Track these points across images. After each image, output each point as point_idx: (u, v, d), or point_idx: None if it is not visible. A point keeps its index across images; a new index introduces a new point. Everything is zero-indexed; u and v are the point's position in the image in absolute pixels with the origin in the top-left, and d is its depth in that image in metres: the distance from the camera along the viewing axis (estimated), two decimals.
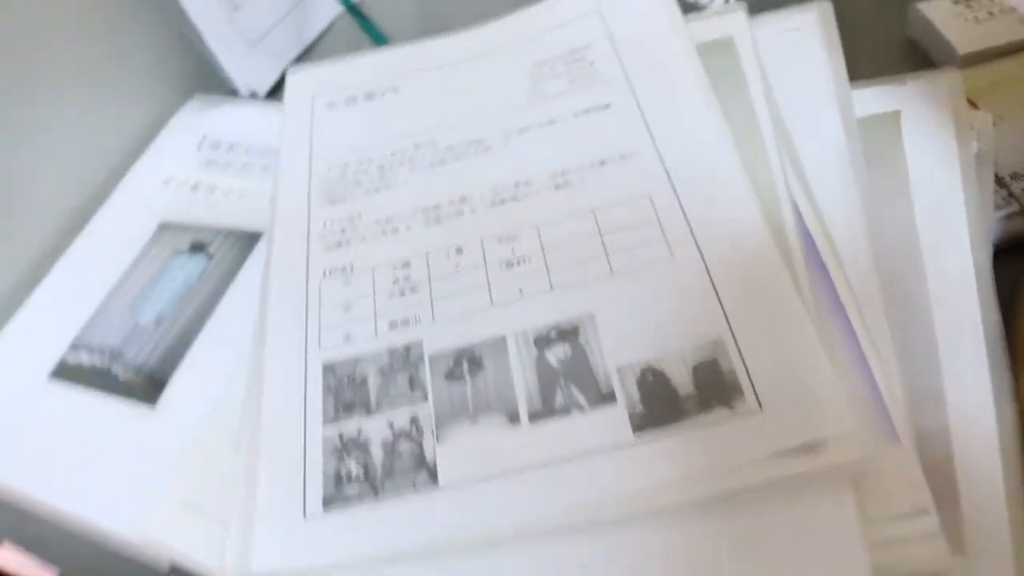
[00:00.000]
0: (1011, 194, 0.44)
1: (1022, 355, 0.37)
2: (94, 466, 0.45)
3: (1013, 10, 0.51)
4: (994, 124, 0.46)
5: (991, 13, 0.51)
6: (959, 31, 0.51)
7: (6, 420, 0.49)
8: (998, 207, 0.43)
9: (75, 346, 0.51)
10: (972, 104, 0.47)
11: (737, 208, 0.39)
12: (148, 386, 0.48)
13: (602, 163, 0.43)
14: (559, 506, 0.33)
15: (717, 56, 0.45)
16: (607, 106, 0.46)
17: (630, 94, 0.46)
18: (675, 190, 0.41)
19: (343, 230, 0.45)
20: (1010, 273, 0.41)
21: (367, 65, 0.54)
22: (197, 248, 0.54)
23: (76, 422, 0.48)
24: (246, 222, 0.54)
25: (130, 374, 0.48)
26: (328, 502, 0.35)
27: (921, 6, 0.53)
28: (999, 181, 0.44)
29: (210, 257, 0.53)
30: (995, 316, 0.38)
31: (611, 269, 0.39)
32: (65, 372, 0.50)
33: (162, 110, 0.63)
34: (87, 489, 0.45)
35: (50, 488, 0.46)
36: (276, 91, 0.64)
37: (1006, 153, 0.45)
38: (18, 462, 0.47)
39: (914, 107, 0.44)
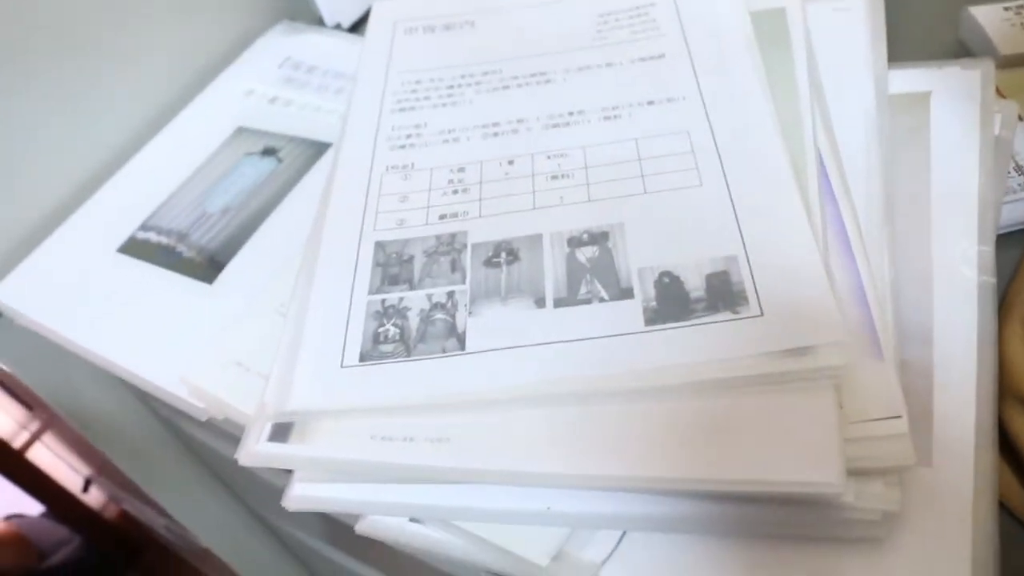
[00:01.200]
0: None
1: (1012, 309, 0.40)
2: (149, 329, 0.50)
3: None
4: (1022, 119, 0.49)
5: None
6: (1004, 34, 0.54)
7: (75, 284, 0.53)
8: (1014, 191, 0.47)
9: (145, 226, 0.56)
10: (1001, 95, 0.50)
11: (766, 151, 0.43)
12: (208, 266, 0.52)
13: (650, 102, 0.47)
14: (572, 375, 0.36)
15: (768, 23, 0.49)
16: (662, 56, 0.50)
17: (684, 48, 0.50)
18: (712, 129, 0.44)
19: (408, 135, 0.49)
20: (1019, 253, 0.44)
21: (448, 1, 0.58)
22: (269, 152, 0.58)
23: (137, 291, 0.52)
24: (317, 134, 0.59)
25: (193, 253, 0.53)
26: (364, 356, 0.39)
27: (973, 9, 0.56)
28: (1019, 169, 0.48)
29: (279, 161, 0.57)
30: (991, 276, 0.41)
31: (645, 189, 0.43)
32: (133, 248, 0.54)
33: (250, 30, 0.68)
34: (140, 348, 0.49)
35: (107, 345, 0.50)
36: (358, 27, 0.69)
37: None
38: (81, 320, 0.51)
39: (946, 89, 0.47)
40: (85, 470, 1.06)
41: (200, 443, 0.70)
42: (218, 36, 0.67)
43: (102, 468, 0.94)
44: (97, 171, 0.60)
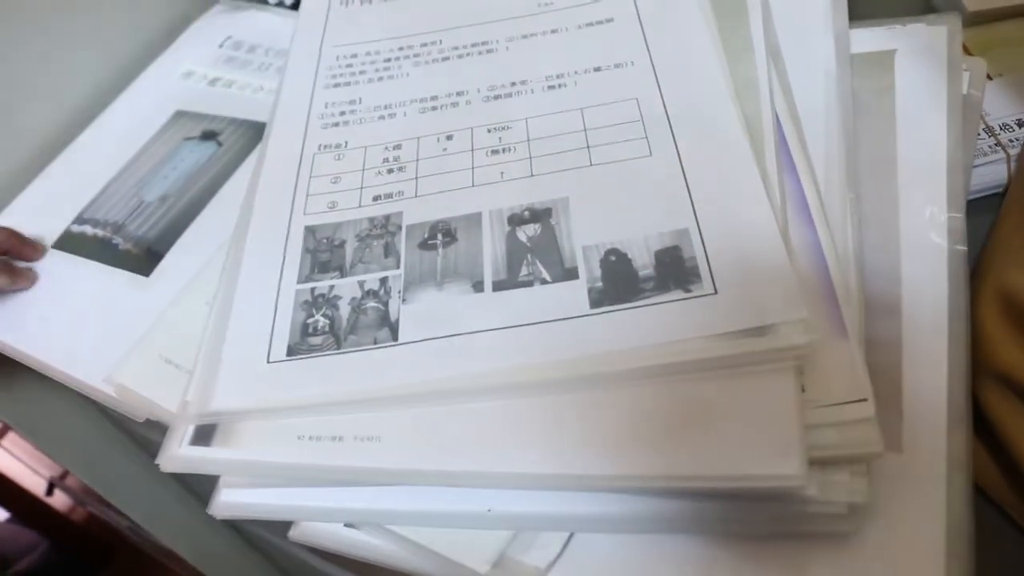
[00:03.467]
0: (999, 143, 0.44)
1: (984, 279, 0.38)
2: (84, 328, 0.47)
3: None
4: (991, 78, 0.46)
5: None
6: None
7: None
8: (985, 154, 0.44)
9: (80, 219, 0.53)
10: (969, 53, 0.47)
11: (720, 117, 0.40)
12: (146, 258, 0.49)
13: (597, 69, 0.44)
14: (509, 365, 0.34)
15: None
16: (611, 20, 0.47)
17: (634, 12, 0.47)
18: (662, 97, 0.42)
19: (342, 112, 0.46)
20: (992, 217, 0.41)
21: None
22: (208, 135, 0.55)
23: (72, 288, 0.50)
24: (258, 114, 0.56)
25: (130, 245, 0.50)
26: (292, 350, 0.36)
27: None
28: (989, 130, 0.45)
29: (220, 144, 0.55)
30: (962, 244, 0.38)
31: (591, 161, 0.40)
32: (68, 242, 0.51)
33: (189, 10, 0.65)
34: (75, 348, 0.47)
35: (41, 346, 0.47)
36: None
37: (1000, 106, 0.46)
38: (14, 322, 0.49)
39: (911, 47, 0.44)
40: (48, 473, 1.03)
41: (155, 444, 0.67)
42: (156, 17, 0.64)
43: (66, 472, 0.91)
44: (30, 163, 0.57)
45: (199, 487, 0.77)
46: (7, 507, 1.07)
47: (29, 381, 0.59)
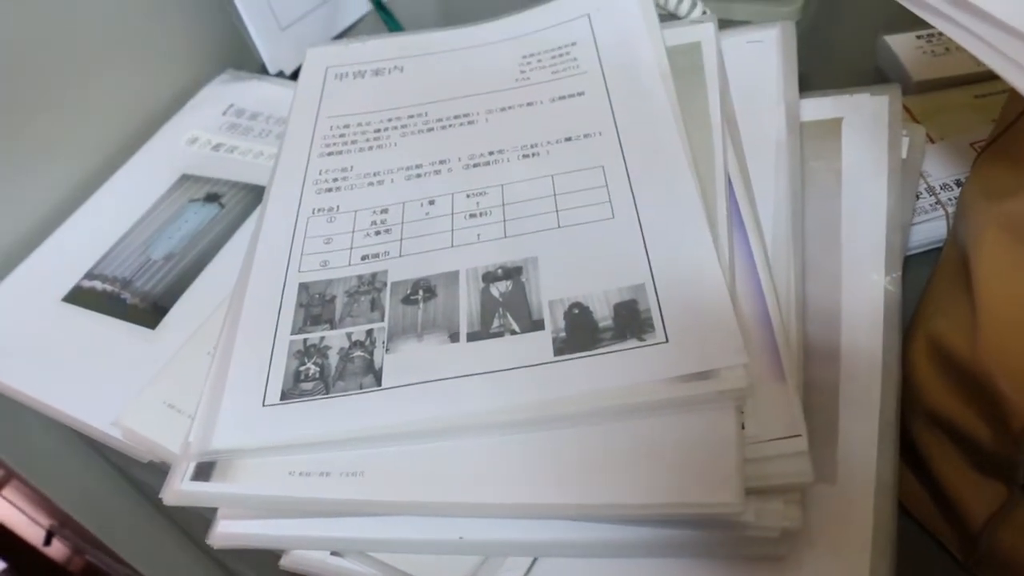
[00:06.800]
0: (939, 202, 0.48)
1: (917, 327, 0.41)
2: (93, 375, 0.51)
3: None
4: (934, 141, 0.50)
5: (947, 49, 0.56)
6: (917, 61, 0.56)
7: (19, 335, 0.54)
8: (927, 212, 0.48)
9: (90, 275, 0.56)
10: (913, 119, 0.51)
11: (676, 181, 0.44)
12: (152, 311, 0.53)
13: (567, 139, 0.48)
14: (480, 408, 0.37)
15: (684, 57, 0.50)
16: (581, 94, 0.51)
17: (602, 85, 0.51)
18: (626, 164, 0.46)
19: (335, 179, 0.50)
20: (928, 272, 0.45)
21: (378, 46, 0.59)
22: (212, 198, 0.60)
23: (81, 339, 0.53)
24: (258, 178, 0.60)
25: (137, 300, 0.54)
26: (285, 395, 0.40)
27: (889, 39, 0.58)
28: (931, 190, 0.49)
29: (222, 206, 0.59)
30: (897, 296, 0.42)
31: (559, 224, 0.44)
32: (77, 297, 0.55)
33: (195, 79, 0.69)
34: (84, 394, 0.50)
35: (51, 392, 0.51)
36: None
37: (941, 167, 0.50)
38: (25, 369, 0.52)
39: (856, 115, 0.48)
40: (46, 522, 1.05)
41: (155, 490, 0.70)
42: (164, 86, 0.68)
43: (64, 520, 0.94)
44: (43, 223, 0.61)
45: (196, 531, 0.80)
46: (5, 558, 1.08)
47: (32, 427, 0.62)
